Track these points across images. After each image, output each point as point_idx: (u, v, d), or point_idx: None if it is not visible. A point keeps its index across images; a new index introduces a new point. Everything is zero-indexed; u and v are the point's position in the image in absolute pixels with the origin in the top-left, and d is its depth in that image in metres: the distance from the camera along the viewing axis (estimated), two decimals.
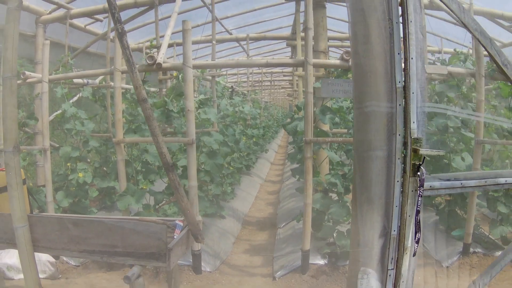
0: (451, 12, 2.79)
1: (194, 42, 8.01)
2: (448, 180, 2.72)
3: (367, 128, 2.64)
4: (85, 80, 7.76)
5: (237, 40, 10.48)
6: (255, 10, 10.08)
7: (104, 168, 7.74)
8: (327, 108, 5.98)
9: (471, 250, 6.06)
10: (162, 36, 7.14)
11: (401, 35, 2.64)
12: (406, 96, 2.56)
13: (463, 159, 6.49)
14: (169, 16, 7.05)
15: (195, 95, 7.47)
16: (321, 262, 5.74)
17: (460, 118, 6.44)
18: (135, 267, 3.49)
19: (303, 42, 5.29)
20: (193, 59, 5.55)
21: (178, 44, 10.22)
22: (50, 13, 8.07)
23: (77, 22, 8.99)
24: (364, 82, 2.65)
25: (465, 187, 2.79)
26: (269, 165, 16.47)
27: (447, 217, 6.61)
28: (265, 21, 11.06)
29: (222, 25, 10.44)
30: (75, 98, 8.16)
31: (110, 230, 3.58)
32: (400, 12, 2.64)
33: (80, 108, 7.18)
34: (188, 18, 9.26)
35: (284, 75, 20.83)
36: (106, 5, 7.60)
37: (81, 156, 6.99)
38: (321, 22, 6.96)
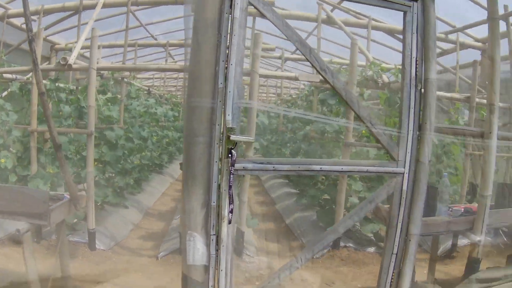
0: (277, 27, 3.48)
1: (112, 46, 8.59)
2: (262, 163, 3.39)
3: (193, 119, 3.25)
4: (14, 76, 8.16)
5: (158, 45, 10.97)
6: (178, 18, 10.59)
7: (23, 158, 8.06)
8: None
9: (342, 244, 6.65)
10: (89, 39, 7.66)
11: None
12: (225, 94, 3.21)
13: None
14: (99, 19, 7.58)
15: (108, 94, 8.04)
16: None
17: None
18: (25, 223, 4.18)
19: None
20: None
21: (104, 47, 10.64)
22: None
23: (15, 21, 9.27)
24: (193, 85, 3.25)
25: (277, 170, 3.43)
26: None
27: (325, 214, 7.29)
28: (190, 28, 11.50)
29: (147, 31, 10.87)
30: (5, 93, 8.50)
31: (10, 193, 4.23)
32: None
33: (10, 101, 7.57)
34: (112, 23, 9.77)
35: None
36: (39, 7, 8.12)
37: (4, 144, 7.39)
38: None
